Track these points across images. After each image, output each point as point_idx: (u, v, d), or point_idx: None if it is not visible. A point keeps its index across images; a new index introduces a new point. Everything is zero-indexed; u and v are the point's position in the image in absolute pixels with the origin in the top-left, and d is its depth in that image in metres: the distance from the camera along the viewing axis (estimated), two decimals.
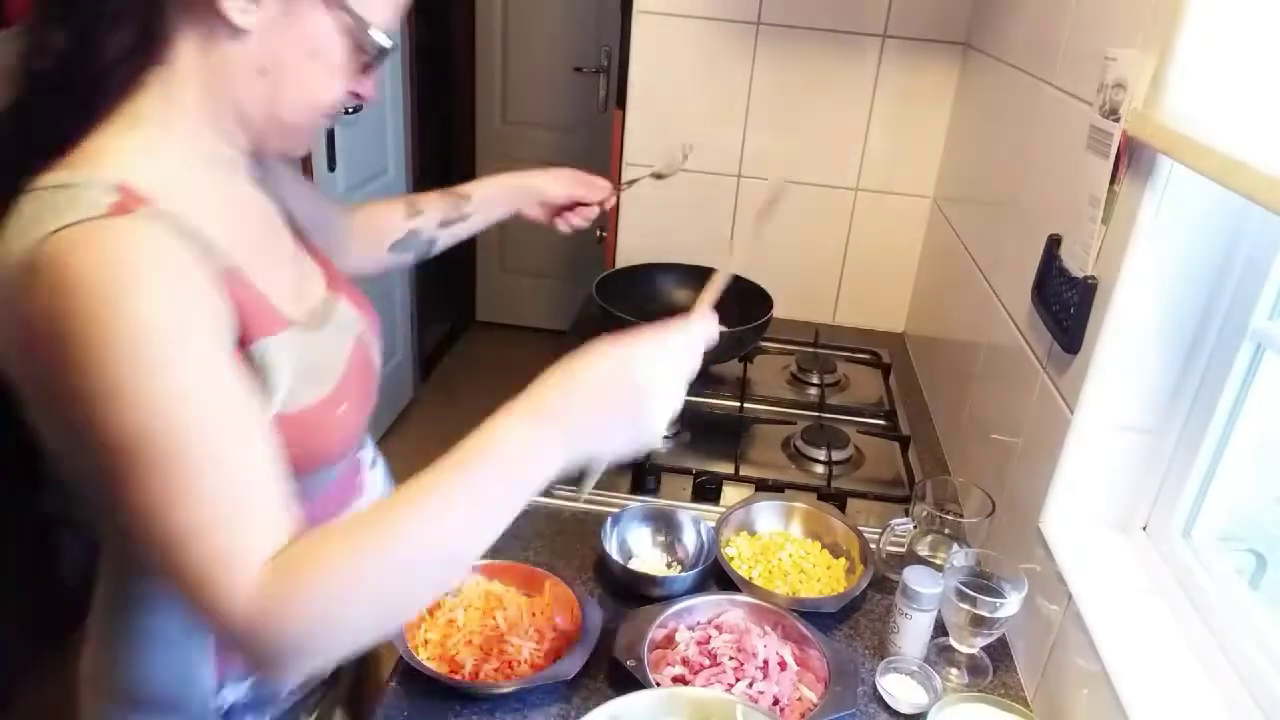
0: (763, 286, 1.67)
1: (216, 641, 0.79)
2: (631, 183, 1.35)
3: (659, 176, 1.37)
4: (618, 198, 1.30)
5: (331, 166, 2.53)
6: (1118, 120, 0.87)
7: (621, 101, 1.83)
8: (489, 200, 1.22)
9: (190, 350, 0.61)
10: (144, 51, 0.67)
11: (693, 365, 0.72)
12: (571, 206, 1.25)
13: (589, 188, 1.25)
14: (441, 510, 0.63)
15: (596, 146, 3.51)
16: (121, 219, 0.61)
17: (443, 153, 3.68)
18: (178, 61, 0.68)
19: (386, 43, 0.74)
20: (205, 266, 0.65)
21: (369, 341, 0.89)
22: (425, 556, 0.63)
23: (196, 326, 0.62)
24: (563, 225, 1.26)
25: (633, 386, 0.68)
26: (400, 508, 0.62)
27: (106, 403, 0.59)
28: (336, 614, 0.61)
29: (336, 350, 0.81)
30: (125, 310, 0.59)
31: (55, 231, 0.60)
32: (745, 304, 1.63)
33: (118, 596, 0.82)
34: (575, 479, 0.70)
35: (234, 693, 0.83)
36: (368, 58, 0.74)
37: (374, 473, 0.93)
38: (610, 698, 0.86)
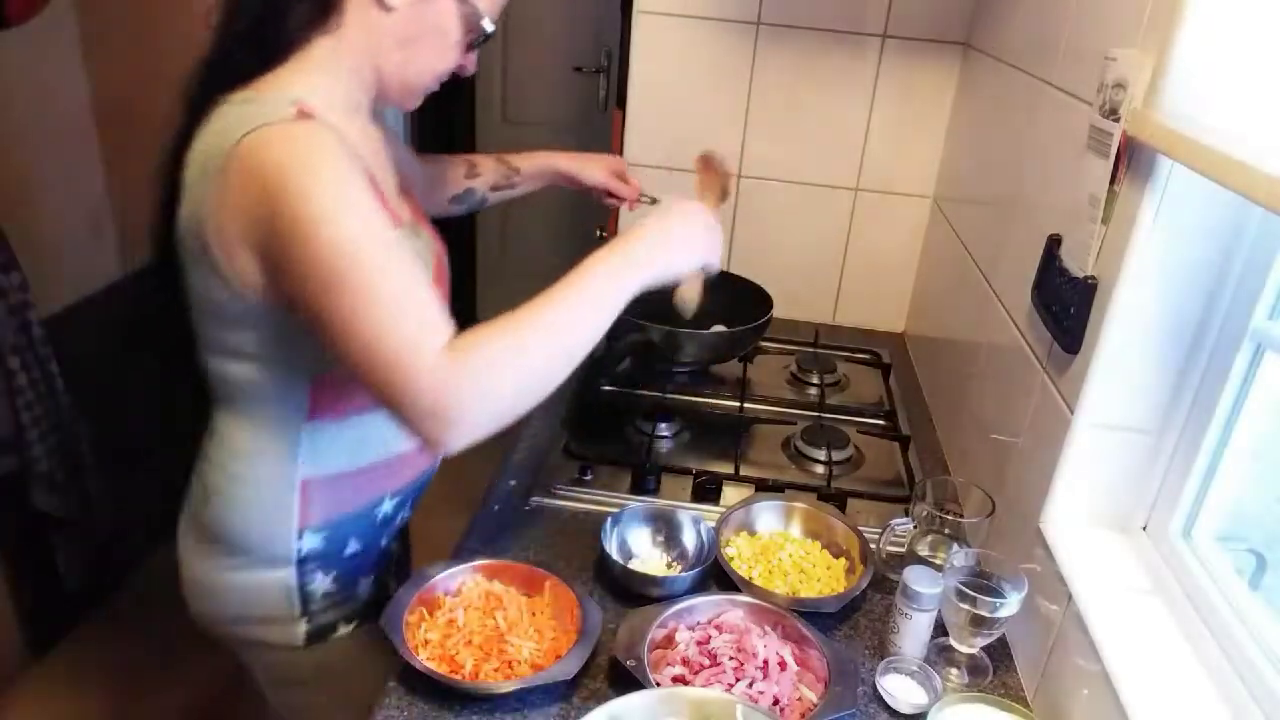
0: (763, 286, 1.67)
1: (303, 488, 0.98)
2: (654, 201, 1.43)
3: None
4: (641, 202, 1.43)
5: None
6: (1118, 120, 0.87)
7: (621, 101, 1.83)
8: (535, 176, 1.40)
9: (363, 207, 0.82)
10: (319, 21, 0.89)
11: (715, 222, 1.03)
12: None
13: (621, 184, 1.41)
14: (566, 310, 0.86)
15: (596, 146, 3.50)
16: (302, 122, 0.83)
17: (443, 152, 3.67)
18: (342, 28, 0.90)
19: (490, 28, 0.95)
20: (358, 163, 0.85)
21: (444, 260, 1.08)
22: (557, 341, 0.86)
23: (365, 193, 0.83)
24: (596, 196, 1.44)
25: (688, 228, 0.99)
26: (536, 310, 0.84)
27: (310, 245, 0.79)
28: (497, 383, 0.82)
29: (428, 256, 1.02)
30: (315, 179, 0.80)
31: (252, 131, 0.81)
32: (745, 304, 1.63)
33: (217, 449, 1.00)
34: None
35: (310, 541, 1.00)
36: (474, 38, 0.95)
37: None
38: (610, 698, 0.86)
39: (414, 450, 1.06)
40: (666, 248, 0.95)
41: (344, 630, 1.06)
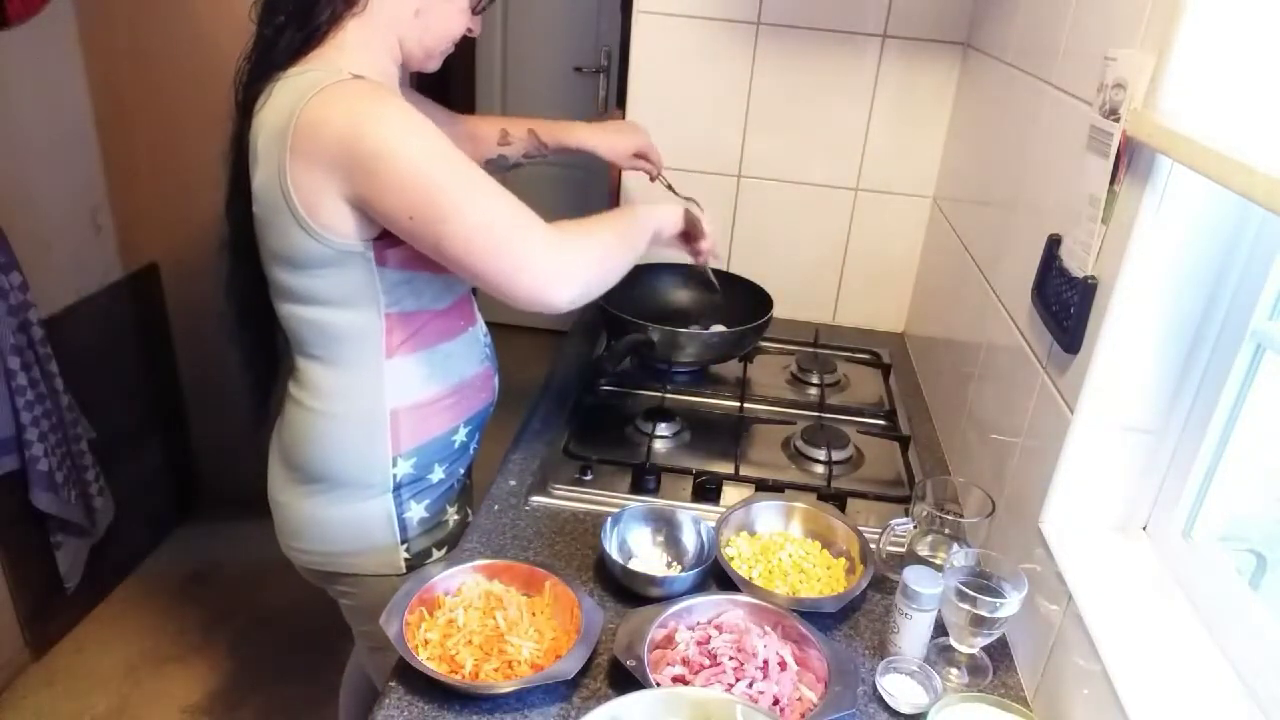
0: (763, 286, 1.67)
1: (393, 417, 1.10)
2: (670, 187, 1.54)
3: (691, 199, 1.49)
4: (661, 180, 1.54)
5: None
6: (1118, 120, 0.87)
7: (621, 101, 1.83)
8: (562, 152, 1.48)
9: (431, 126, 0.95)
10: (349, 7, 1.01)
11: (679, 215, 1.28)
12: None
13: (645, 163, 1.53)
14: (618, 225, 1.16)
15: None
16: (358, 80, 0.96)
17: None
18: (368, 8, 1.02)
19: None
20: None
21: None
22: (614, 241, 1.13)
23: (427, 119, 0.96)
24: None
25: (660, 209, 1.26)
26: (600, 221, 1.12)
27: (401, 166, 0.92)
28: (589, 256, 1.07)
29: None
30: (384, 113, 0.93)
31: (316, 93, 0.93)
32: (745, 304, 1.63)
33: (309, 394, 1.10)
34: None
35: (403, 468, 1.12)
36: (481, 4, 1.12)
37: (479, 316, 1.25)
38: (610, 698, 0.87)
39: (481, 373, 1.21)
40: (655, 217, 1.23)
41: (436, 555, 1.19)
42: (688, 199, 1.45)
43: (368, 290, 1.03)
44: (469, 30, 1.12)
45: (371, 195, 0.94)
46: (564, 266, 1.01)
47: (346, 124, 0.93)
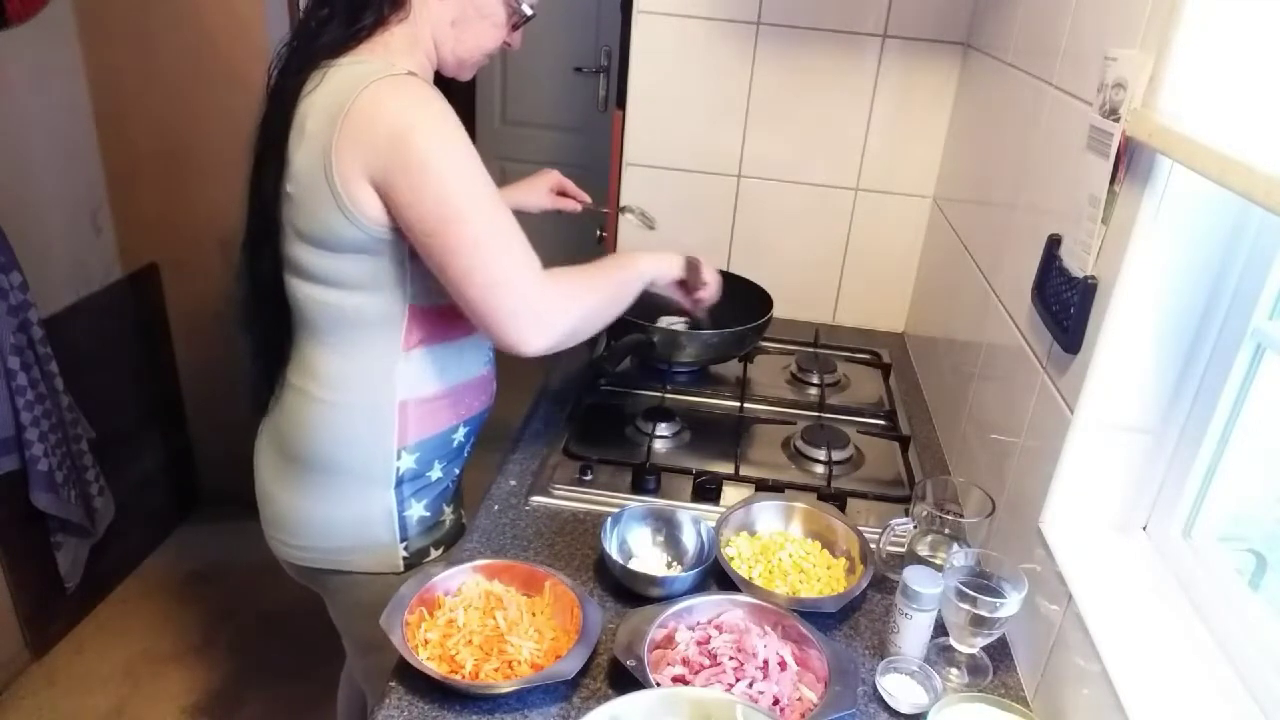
0: (763, 286, 1.67)
1: (401, 409, 1.10)
2: (618, 209, 1.58)
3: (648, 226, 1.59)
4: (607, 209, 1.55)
5: None
6: (1118, 120, 0.87)
7: (621, 101, 1.83)
8: None
9: (474, 154, 0.98)
10: (394, 11, 1.04)
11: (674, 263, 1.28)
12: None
13: (565, 199, 1.52)
14: (605, 277, 1.16)
15: (596, 146, 3.50)
16: (416, 78, 0.99)
17: None
18: (411, 14, 1.05)
19: (530, 11, 1.12)
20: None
21: None
22: (603, 295, 1.14)
23: (471, 144, 0.99)
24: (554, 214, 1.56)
25: (660, 259, 1.25)
26: (595, 270, 1.14)
27: (437, 183, 0.95)
28: (577, 305, 1.08)
29: None
30: (439, 125, 0.96)
31: (374, 82, 0.95)
32: (745, 304, 1.63)
33: (316, 383, 1.10)
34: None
35: (406, 462, 1.12)
36: (518, 19, 1.12)
37: None
38: (610, 698, 0.87)
39: (485, 375, 1.21)
40: (654, 263, 1.24)
41: (434, 555, 1.19)
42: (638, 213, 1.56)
43: (396, 279, 1.04)
44: (507, 44, 1.13)
45: (401, 199, 0.96)
46: (548, 319, 1.03)
47: (401, 121, 0.94)
